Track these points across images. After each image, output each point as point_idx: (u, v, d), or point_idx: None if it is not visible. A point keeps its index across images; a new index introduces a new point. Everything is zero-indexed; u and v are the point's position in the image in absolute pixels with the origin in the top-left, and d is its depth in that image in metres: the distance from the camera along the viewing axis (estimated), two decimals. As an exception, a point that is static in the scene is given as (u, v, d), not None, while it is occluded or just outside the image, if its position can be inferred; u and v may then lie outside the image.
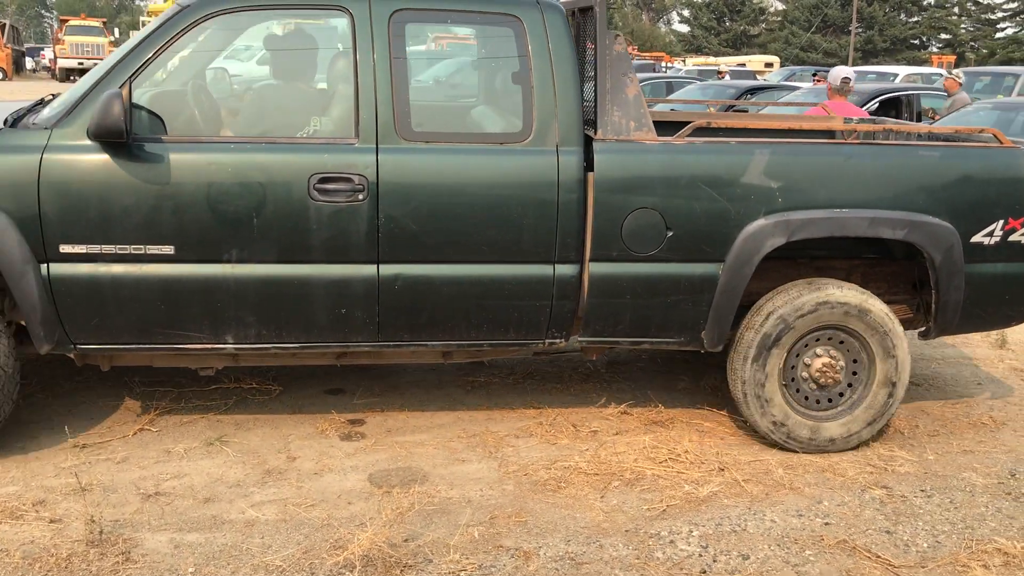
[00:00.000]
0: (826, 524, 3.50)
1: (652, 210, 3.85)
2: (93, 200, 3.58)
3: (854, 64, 42.08)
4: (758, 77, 27.74)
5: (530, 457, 3.99)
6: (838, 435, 4.12)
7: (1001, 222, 4.05)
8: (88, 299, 3.65)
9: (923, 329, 4.34)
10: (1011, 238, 4.07)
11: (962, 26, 54.30)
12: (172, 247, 3.64)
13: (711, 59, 41.50)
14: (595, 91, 3.93)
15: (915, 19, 54.03)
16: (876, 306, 4.05)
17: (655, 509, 3.57)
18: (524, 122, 3.86)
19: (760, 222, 3.88)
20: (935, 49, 53.12)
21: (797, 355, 4.09)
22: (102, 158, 3.57)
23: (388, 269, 3.78)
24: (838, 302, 3.99)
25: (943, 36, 54.43)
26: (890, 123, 4.69)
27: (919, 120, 11.70)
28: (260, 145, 3.71)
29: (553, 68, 3.84)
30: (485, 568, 3.12)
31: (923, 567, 3.22)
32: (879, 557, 3.26)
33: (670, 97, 15.79)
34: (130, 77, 3.62)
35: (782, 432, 4.09)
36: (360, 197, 3.68)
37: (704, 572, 3.14)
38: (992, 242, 4.07)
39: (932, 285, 4.09)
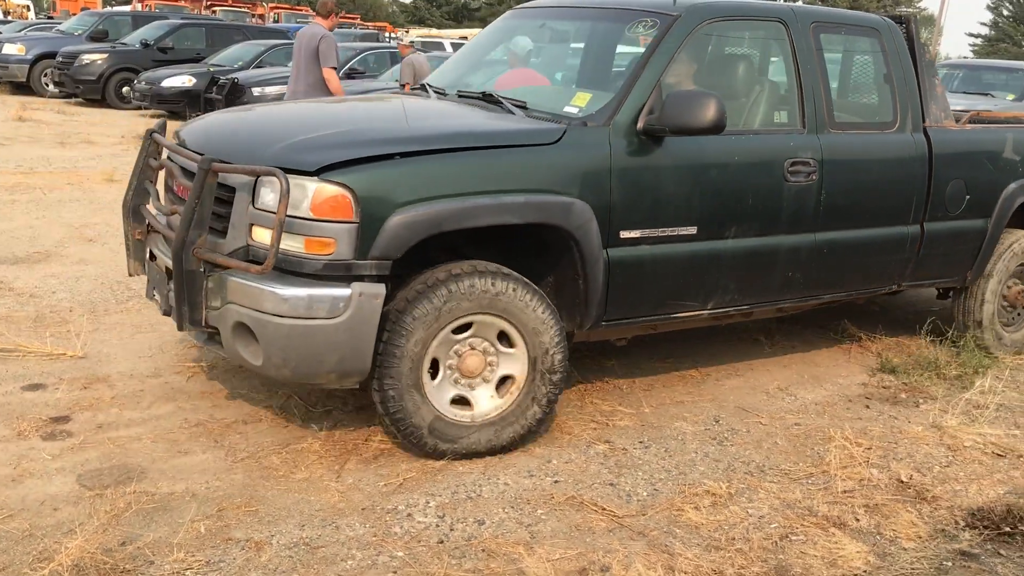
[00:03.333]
0: (556, 482, 3.63)
1: (960, 180, 5.01)
2: (647, 189, 3.97)
3: (568, 40, 43.96)
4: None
5: (260, 443, 3.82)
6: (1018, 339, 5.62)
7: None
8: (631, 279, 4.01)
9: None
10: None
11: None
12: (695, 227, 4.11)
13: (433, 31, 41.80)
14: (920, 89, 4.93)
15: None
16: None
17: (392, 484, 3.54)
18: (893, 112, 4.85)
19: (1012, 185, 5.23)
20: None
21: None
22: (654, 150, 3.97)
23: (821, 236, 4.55)
24: None
25: (647, 16, 58.33)
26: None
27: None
28: (750, 136, 4.35)
29: (903, 69, 4.90)
30: (213, 563, 2.94)
31: (643, 515, 3.42)
32: (604, 509, 3.43)
33: (395, 68, 15.67)
34: (660, 78, 4.03)
35: (997, 339, 5.51)
36: (813, 177, 4.42)
37: (441, 542, 3.15)
38: None
39: None
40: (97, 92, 17.15)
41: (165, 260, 3.80)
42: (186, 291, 3.46)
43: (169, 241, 3.74)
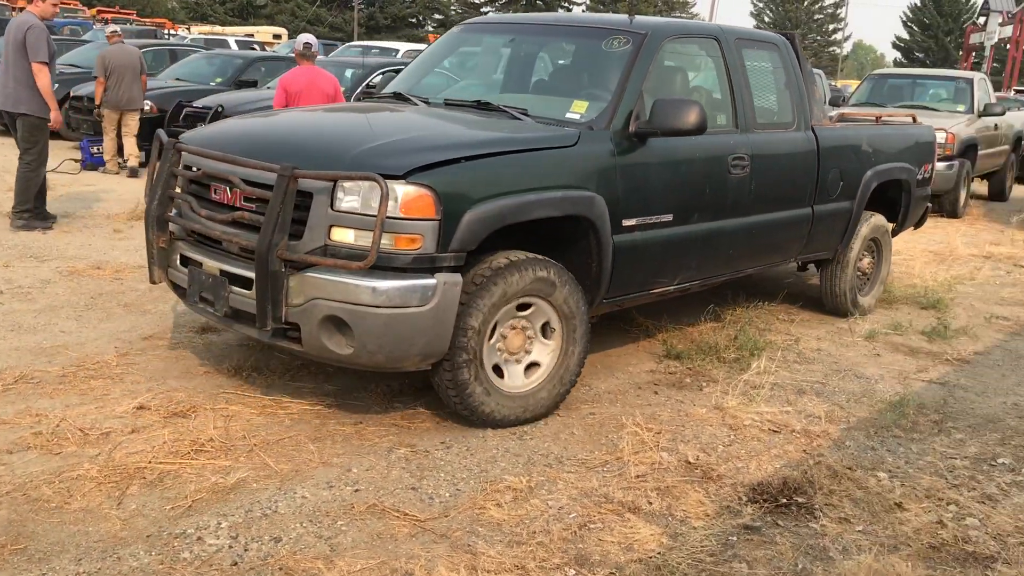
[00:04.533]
0: (356, 491, 3.54)
1: (837, 169, 5.99)
2: (640, 183, 4.59)
3: (359, 39, 43.61)
4: (267, 48, 27.44)
5: (28, 473, 3.49)
6: (869, 302, 6.77)
7: (928, 166, 7.02)
8: (628, 261, 4.57)
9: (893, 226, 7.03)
10: (927, 174, 7.05)
11: (452, 7, 58.99)
12: (671, 215, 4.77)
13: (217, 28, 40.16)
14: (806, 94, 5.88)
15: (413, -1, 57.67)
16: (886, 222, 6.79)
17: (180, 507, 3.33)
18: (792, 114, 5.77)
19: (869, 173, 6.30)
20: (430, 28, 57.06)
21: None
22: (642, 149, 4.58)
23: (752, 219, 5.35)
24: (884, 223, 6.70)
25: (437, 16, 58.65)
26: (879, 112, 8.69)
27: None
28: (705, 136, 4.73)
29: (796, 77, 5.86)
30: (-26, 613, 2.66)
31: (446, 516, 3.40)
32: (407, 514, 3.38)
33: (175, 66, 14.92)
34: (641, 87, 4.66)
35: (855, 302, 6.60)
36: (747, 169, 5.21)
37: (235, 564, 2.99)
38: (922, 176, 6.97)
39: (903, 201, 6.84)
40: None
41: (217, 264, 4.07)
42: (270, 291, 3.74)
43: (211, 245, 4.17)
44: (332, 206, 3.73)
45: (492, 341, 4.13)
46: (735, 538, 3.38)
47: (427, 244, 3.71)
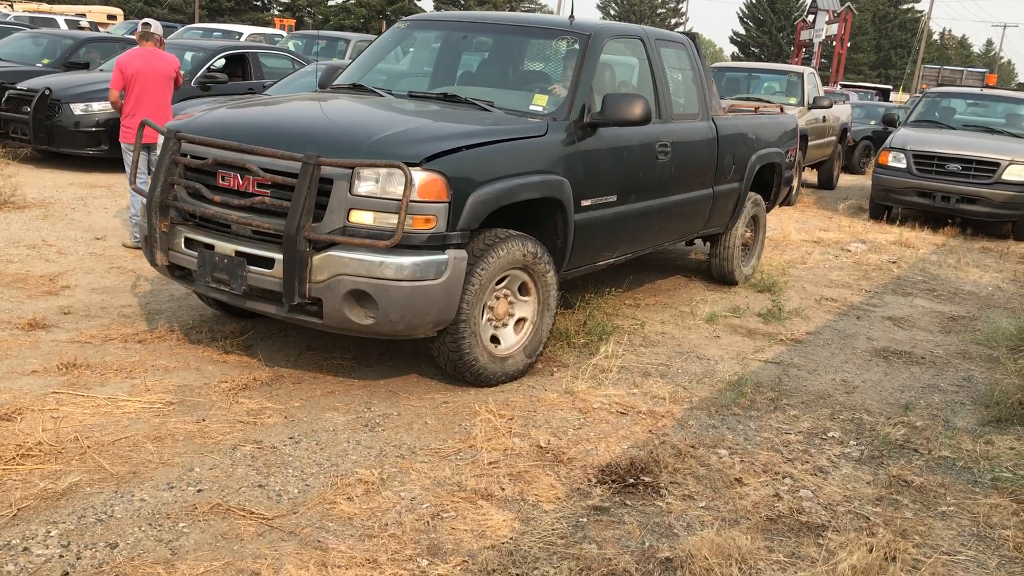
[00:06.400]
0: (199, 491, 3.40)
1: (730, 154, 6.67)
2: (594, 168, 5.11)
3: (202, 21, 41.94)
4: (100, 29, 25.98)
5: None
6: (749, 271, 7.61)
7: (792, 150, 7.82)
8: (585, 236, 5.10)
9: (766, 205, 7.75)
10: (792, 158, 7.89)
11: (299, -9, 57.46)
12: (616, 196, 5.34)
13: (44, 6, 37.71)
14: (705, 88, 6.56)
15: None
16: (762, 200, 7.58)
17: (3, 516, 3.11)
18: (698, 105, 6.46)
19: (753, 157, 7.07)
20: (276, 12, 55.46)
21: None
22: (594, 138, 5.11)
23: (674, 197, 6.02)
24: (761, 200, 7.48)
25: (283, 0, 57.04)
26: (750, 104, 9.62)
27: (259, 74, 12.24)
28: (641, 127, 5.28)
29: (700, 73, 6.55)
30: None
31: (295, 513, 3.31)
32: (253, 513, 3.27)
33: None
34: (592, 82, 5.20)
35: (740, 271, 7.39)
36: (669, 154, 5.80)
37: (67, 574, 2.82)
38: (788, 160, 7.72)
39: (775, 181, 7.61)
40: None
41: (231, 246, 4.31)
42: (297, 269, 4.02)
43: (218, 228, 4.38)
44: (351, 190, 4.03)
45: (484, 306, 4.55)
46: (585, 519, 3.44)
47: (439, 224, 4.12)
